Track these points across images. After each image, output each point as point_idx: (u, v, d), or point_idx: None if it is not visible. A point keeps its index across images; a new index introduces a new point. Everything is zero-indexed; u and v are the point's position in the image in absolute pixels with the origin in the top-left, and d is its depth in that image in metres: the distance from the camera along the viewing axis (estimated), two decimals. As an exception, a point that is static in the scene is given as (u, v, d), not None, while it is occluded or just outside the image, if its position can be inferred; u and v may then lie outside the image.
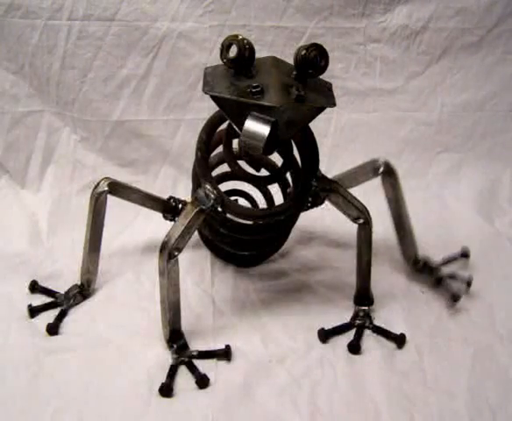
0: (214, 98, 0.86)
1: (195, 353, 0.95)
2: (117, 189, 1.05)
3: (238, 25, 1.30)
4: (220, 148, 1.01)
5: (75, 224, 1.25)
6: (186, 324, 0.98)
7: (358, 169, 1.09)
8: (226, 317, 1.06)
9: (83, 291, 1.08)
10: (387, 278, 1.14)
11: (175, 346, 0.95)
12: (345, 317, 1.04)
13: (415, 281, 1.14)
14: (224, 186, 1.06)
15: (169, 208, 1.15)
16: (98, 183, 1.04)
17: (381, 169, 1.06)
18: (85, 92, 1.32)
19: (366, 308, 1.05)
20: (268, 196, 1.16)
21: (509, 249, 1.26)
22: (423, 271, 1.13)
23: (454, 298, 1.06)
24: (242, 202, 1.13)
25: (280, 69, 0.89)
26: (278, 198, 1.13)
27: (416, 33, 1.38)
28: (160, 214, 1.15)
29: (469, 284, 1.10)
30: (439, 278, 1.11)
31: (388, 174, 1.07)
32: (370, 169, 1.08)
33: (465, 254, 1.18)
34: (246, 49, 0.84)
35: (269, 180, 1.03)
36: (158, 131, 1.37)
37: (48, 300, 1.06)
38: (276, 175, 1.04)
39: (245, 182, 1.08)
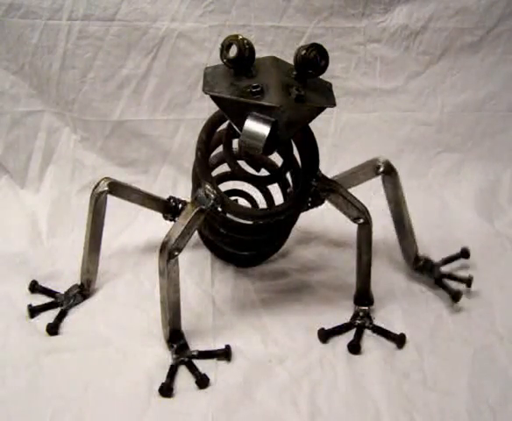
0: (214, 98, 0.86)
1: (195, 353, 0.95)
2: (117, 189, 1.05)
3: (238, 25, 1.30)
4: (220, 148, 1.01)
5: (75, 224, 1.25)
6: (186, 324, 0.98)
7: (358, 169, 1.09)
8: (226, 317, 1.06)
9: (83, 291, 1.08)
10: (387, 278, 1.14)
11: (175, 346, 0.95)
12: (345, 317, 1.04)
13: (415, 281, 1.14)
14: (224, 186, 1.06)
15: (169, 208, 1.15)
16: (98, 183, 1.04)
17: (382, 169, 1.06)
18: (85, 92, 1.32)
19: (366, 308, 1.05)
20: (268, 196, 1.16)
21: (509, 249, 1.26)
22: (423, 270, 1.13)
23: (455, 298, 1.06)
24: (242, 202, 1.13)
25: (280, 69, 0.89)
26: (278, 198, 1.13)
27: (416, 33, 1.38)
28: (160, 214, 1.15)
29: (469, 284, 1.10)
30: (439, 277, 1.11)
31: (389, 174, 1.07)
32: (370, 169, 1.07)
33: (464, 254, 1.18)
34: (246, 49, 0.84)
35: (269, 180, 1.03)
36: (158, 131, 1.37)
37: (48, 300, 1.06)
38: (276, 175, 1.04)
39: (245, 182, 1.08)
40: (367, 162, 1.08)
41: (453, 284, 1.10)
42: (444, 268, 1.14)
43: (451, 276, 1.12)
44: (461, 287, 1.09)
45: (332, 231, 1.28)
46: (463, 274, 1.13)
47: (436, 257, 1.16)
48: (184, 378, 0.92)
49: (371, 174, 1.08)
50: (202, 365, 0.93)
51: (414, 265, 1.15)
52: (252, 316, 1.06)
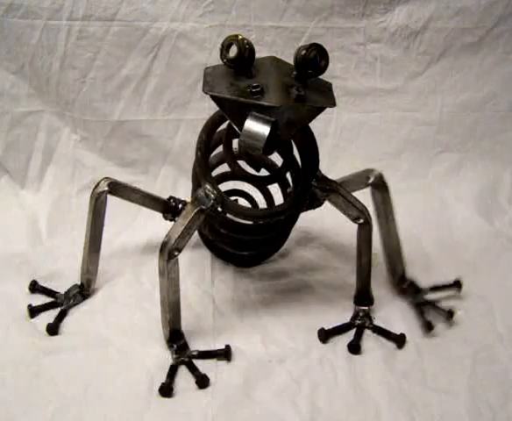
0: (214, 98, 0.86)
1: (195, 353, 0.95)
2: (117, 189, 1.05)
3: (238, 25, 1.30)
4: (220, 148, 1.01)
5: (75, 224, 1.25)
6: (186, 324, 0.98)
7: (353, 177, 1.05)
8: (226, 317, 1.06)
9: (83, 291, 1.08)
10: (388, 278, 1.14)
11: (175, 346, 0.95)
12: (345, 317, 1.04)
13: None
14: (224, 186, 1.06)
15: (169, 208, 1.15)
16: (98, 183, 1.04)
17: (371, 180, 1.03)
18: (85, 92, 1.32)
19: (366, 308, 1.05)
20: (268, 196, 1.16)
21: (509, 249, 1.26)
22: (408, 292, 1.09)
23: (428, 327, 1.00)
24: (242, 202, 1.13)
25: (280, 69, 0.89)
26: (278, 198, 1.13)
27: (416, 33, 1.38)
28: (160, 214, 1.15)
29: (451, 315, 1.02)
30: (421, 302, 1.06)
31: (378, 187, 1.03)
32: (363, 179, 1.04)
33: (457, 285, 1.09)
34: (246, 49, 0.84)
35: (269, 180, 1.03)
36: (158, 131, 1.37)
37: (48, 300, 1.06)
38: (276, 175, 1.04)
39: (245, 182, 1.08)
40: (361, 172, 1.05)
41: (435, 313, 1.04)
42: (431, 295, 1.08)
43: (434, 306, 1.05)
44: (441, 316, 1.03)
45: (332, 231, 1.28)
46: (448, 303, 1.07)
47: (435, 257, 1.16)
48: (184, 378, 0.92)
49: (362, 185, 1.04)
50: (202, 365, 0.93)
51: (398, 285, 1.10)
52: (252, 316, 1.06)
